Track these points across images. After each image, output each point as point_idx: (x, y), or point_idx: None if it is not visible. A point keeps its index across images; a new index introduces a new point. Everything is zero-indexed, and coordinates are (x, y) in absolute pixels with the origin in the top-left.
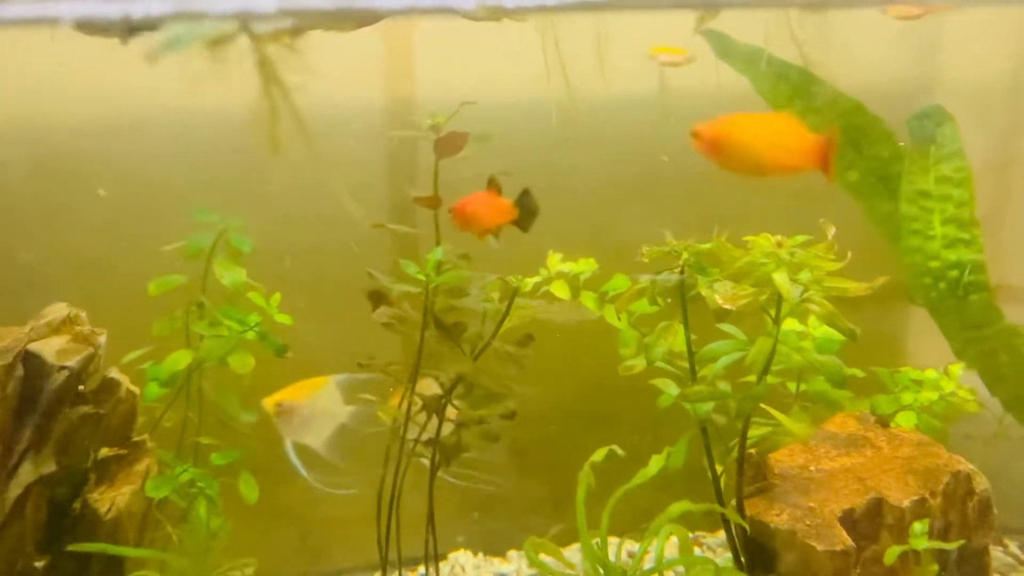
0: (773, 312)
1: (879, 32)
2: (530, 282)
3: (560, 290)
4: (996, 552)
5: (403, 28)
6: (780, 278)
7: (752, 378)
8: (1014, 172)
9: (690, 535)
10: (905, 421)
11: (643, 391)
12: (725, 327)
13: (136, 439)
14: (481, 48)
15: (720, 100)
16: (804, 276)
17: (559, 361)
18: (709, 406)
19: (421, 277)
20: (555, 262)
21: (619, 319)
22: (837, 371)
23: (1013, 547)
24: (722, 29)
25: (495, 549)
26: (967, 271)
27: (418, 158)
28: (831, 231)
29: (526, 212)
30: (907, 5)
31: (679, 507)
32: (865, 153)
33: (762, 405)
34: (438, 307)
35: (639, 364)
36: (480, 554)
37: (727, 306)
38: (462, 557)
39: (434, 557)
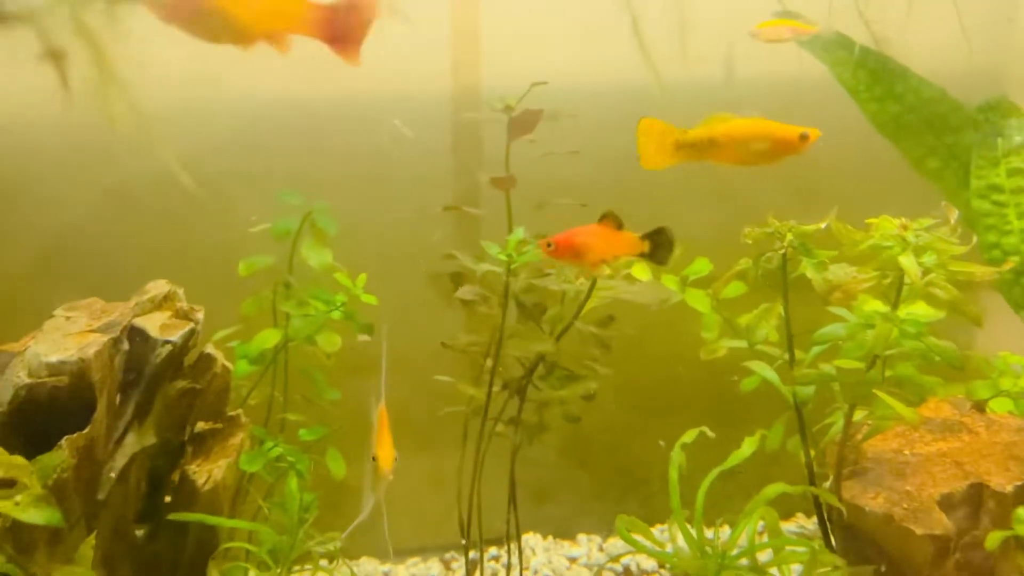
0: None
1: (952, 12)
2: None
3: (641, 272)
4: None
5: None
6: (907, 261)
7: (845, 362)
8: None
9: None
10: (999, 407)
11: (714, 377)
12: (836, 310)
13: (231, 413)
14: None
15: (798, 87)
16: (928, 259)
17: (628, 347)
18: (811, 390)
19: (503, 257)
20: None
21: (705, 302)
22: (954, 355)
23: None
24: (789, 9)
25: (565, 533)
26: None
27: (484, 146)
28: (954, 215)
29: (662, 249)
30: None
31: (774, 489)
32: (945, 140)
33: (880, 394)
34: (519, 288)
35: (721, 347)
36: (550, 537)
37: (850, 289)
38: (532, 540)
39: (516, 537)
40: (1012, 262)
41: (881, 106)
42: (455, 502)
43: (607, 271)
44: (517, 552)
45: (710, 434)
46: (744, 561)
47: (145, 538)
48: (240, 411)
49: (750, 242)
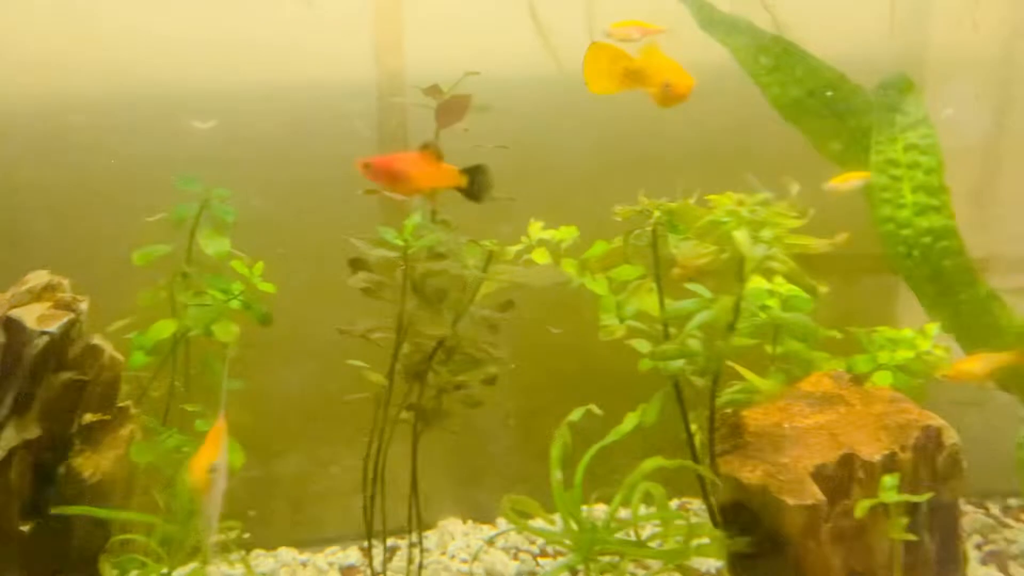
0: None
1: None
2: (512, 249)
3: (541, 257)
4: (978, 515)
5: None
6: (740, 236)
7: (740, 340)
8: (1004, 144)
9: (677, 500)
10: (882, 380)
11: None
12: (692, 286)
13: (120, 405)
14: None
15: (720, 72)
16: (766, 234)
17: (556, 335)
18: (679, 364)
19: (399, 242)
20: (536, 230)
21: (598, 283)
22: (804, 328)
23: (995, 509)
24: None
25: (486, 517)
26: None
27: (408, 135)
28: (794, 188)
29: (478, 186)
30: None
31: (651, 463)
32: (848, 124)
33: (734, 365)
34: (419, 273)
35: (619, 329)
36: (469, 521)
37: (688, 265)
38: (451, 525)
39: (418, 526)
40: (845, 235)
41: (783, 90)
42: (375, 490)
43: (505, 251)
44: (419, 539)
45: (597, 411)
46: (627, 536)
47: (30, 534)
48: (130, 403)
49: (620, 220)
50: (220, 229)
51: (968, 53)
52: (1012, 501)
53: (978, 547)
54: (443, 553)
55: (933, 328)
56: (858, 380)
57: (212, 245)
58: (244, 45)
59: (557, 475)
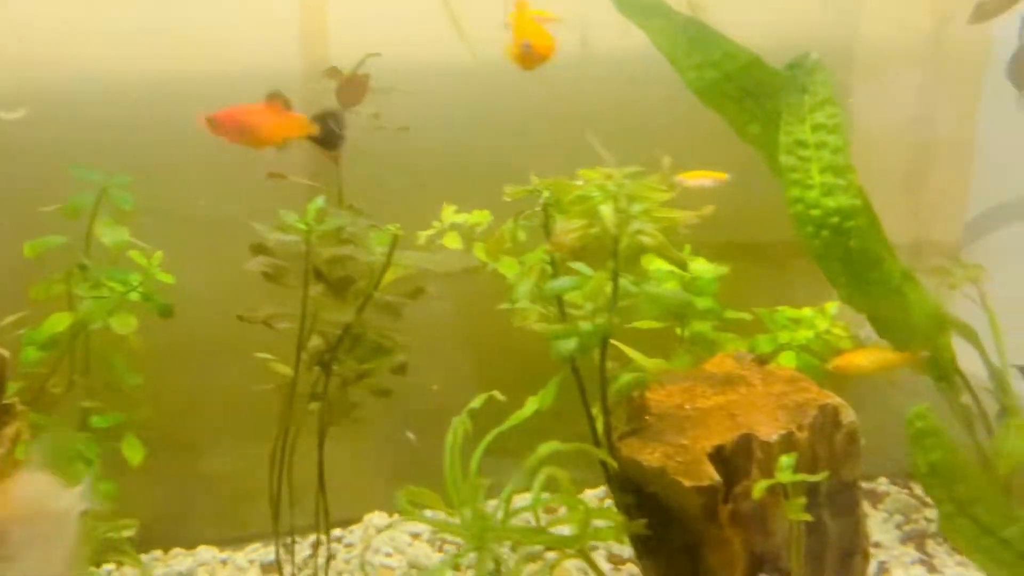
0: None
1: None
2: (423, 235)
3: (452, 242)
4: (901, 495)
5: None
6: (606, 210)
7: (645, 323)
8: (934, 130)
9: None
10: (786, 361)
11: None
12: (577, 265)
13: (6, 402)
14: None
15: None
16: (636, 208)
17: (488, 328)
18: (571, 345)
19: (301, 226)
20: (449, 214)
21: (515, 268)
22: (676, 302)
23: (918, 489)
24: None
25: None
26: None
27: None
28: (666, 162)
29: (331, 133)
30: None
31: (547, 447)
32: (766, 107)
33: (619, 344)
34: (325, 259)
35: (531, 313)
36: (396, 515)
37: (558, 242)
38: (376, 518)
39: (326, 520)
40: (712, 208)
41: (700, 73)
42: (297, 485)
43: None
44: (326, 534)
45: (500, 398)
46: (526, 522)
47: None
48: (15, 399)
49: (509, 200)
50: (119, 218)
51: (900, 38)
52: None
53: (899, 527)
54: (366, 547)
55: (833, 307)
56: (760, 360)
57: (109, 234)
58: (164, 33)
59: (450, 463)
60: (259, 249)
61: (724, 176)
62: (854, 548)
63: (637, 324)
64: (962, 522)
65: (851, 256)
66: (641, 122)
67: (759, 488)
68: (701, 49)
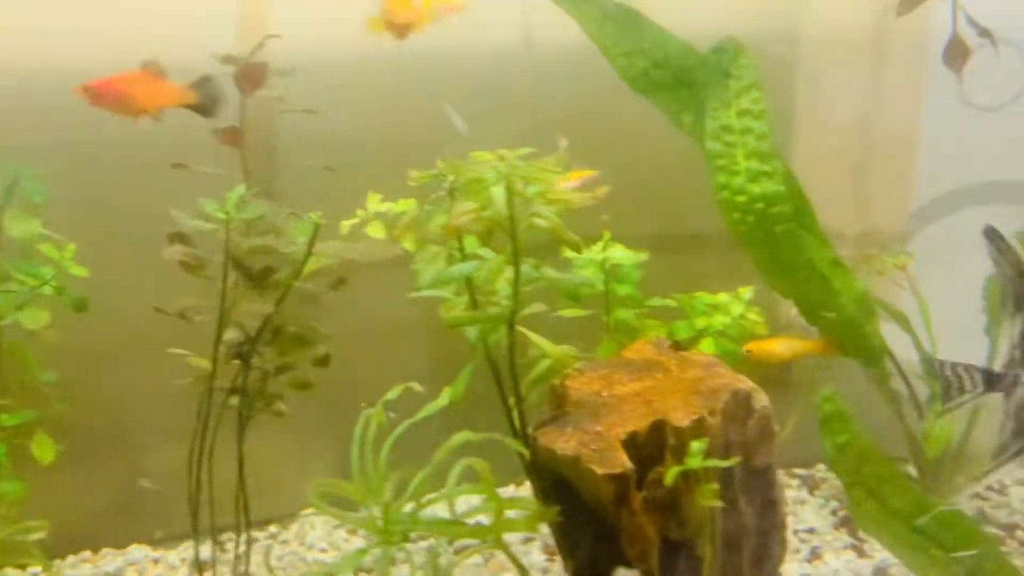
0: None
1: None
2: (347, 224)
3: (376, 231)
4: (837, 481)
5: None
6: (497, 192)
7: (571, 312)
8: (878, 120)
9: None
10: (705, 346)
11: None
12: (482, 250)
13: None
14: None
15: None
16: (532, 190)
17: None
18: (472, 333)
19: (221, 215)
20: (374, 202)
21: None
22: (573, 288)
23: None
24: None
25: (350, 506)
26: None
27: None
28: (563, 143)
29: (209, 99)
30: None
31: (459, 438)
32: (698, 95)
33: (525, 332)
34: (246, 249)
35: (460, 304)
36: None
37: (452, 225)
38: (313, 515)
39: (246, 517)
40: (606, 189)
41: (630, 61)
42: (231, 483)
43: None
44: (247, 531)
45: (418, 389)
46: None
47: None
48: None
49: (414, 184)
50: (29, 211)
51: (844, 29)
52: None
53: (834, 512)
54: (301, 544)
55: (747, 292)
56: (677, 346)
57: (20, 227)
58: (97, 20)
59: (357, 455)
60: (177, 238)
61: (593, 172)
62: (771, 533)
63: (563, 312)
64: (871, 506)
65: (776, 242)
66: (583, 112)
67: (671, 474)
68: (631, 36)
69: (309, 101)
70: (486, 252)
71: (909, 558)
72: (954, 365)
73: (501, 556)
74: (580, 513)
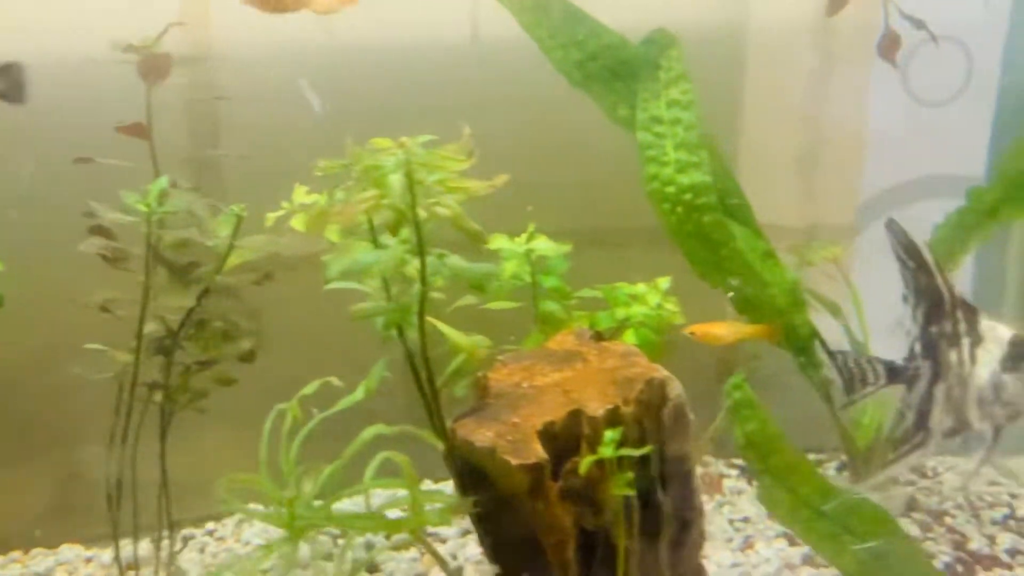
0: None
1: None
2: (272, 216)
3: (298, 223)
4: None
5: None
6: (395, 179)
7: (498, 304)
8: (826, 114)
9: None
10: (627, 337)
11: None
12: (386, 239)
13: None
14: None
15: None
16: (432, 178)
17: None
18: (384, 324)
19: (143, 208)
20: (300, 195)
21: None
22: (477, 278)
23: None
24: None
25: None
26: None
27: (218, 110)
28: (467, 130)
29: (10, 86)
30: None
31: (371, 431)
32: (633, 87)
33: (436, 323)
34: (170, 242)
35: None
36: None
37: (348, 214)
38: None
39: (168, 516)
40: (503, 178)
41: (565, 53)
42: (164, 482)
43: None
44: (169, 529)
45: (337, 383)
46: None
47: None
48: None
49: (320, 175)
50: None
51: (791, 22)
52: (811, 456)
53: None
54: (238, 540)
55: (665, 282)
56: (599, 337)
57: None
58: (38, 13)
59: (264, 452)
60: (97, 231)
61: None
62: (689, 521)
63: (491, 305)
64: (779, 493)
65: (704, 232)
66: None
67: (585, 464)
68: (566, 28)
69: (254, 93)
70: (390, 241)
71: (819, 545)
72: (856, 357)
73: (438, 550)
74: (497, 505)
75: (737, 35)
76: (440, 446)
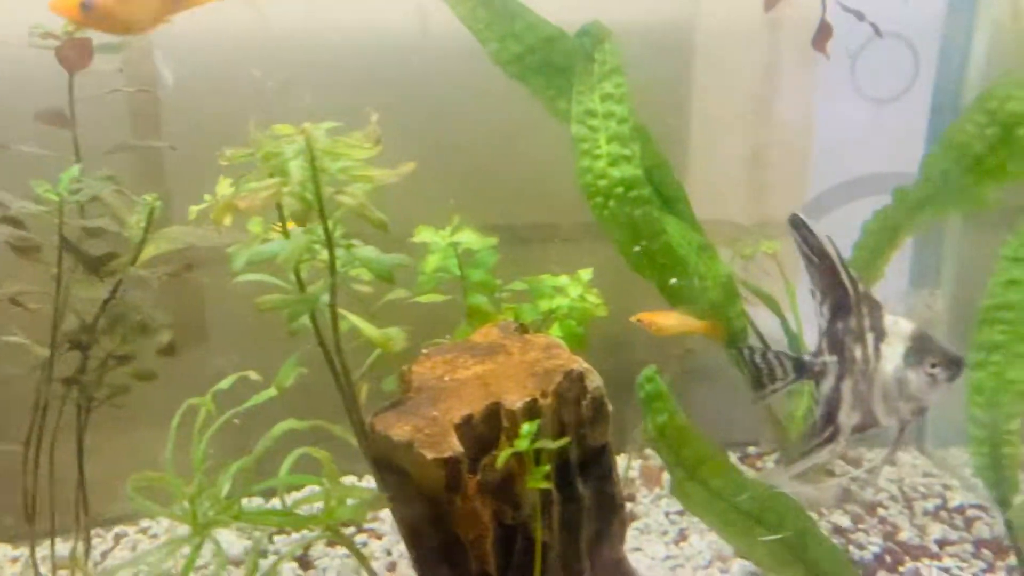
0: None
1: None
2: (195, 209)
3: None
4: None
5: None
6: (295, 166)
7: (429, 297)
8: (774, 110)
9: None
10: (552, 329)
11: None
12: (295, 228)
13: None
14: None
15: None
16: (337, 166)
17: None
18: (300, 320)
19: (53, 196)
20: (223, 187)
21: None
22: (381, 267)
23: (733, 458)
24: None
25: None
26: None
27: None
28: (374, 117)
29: None
30: None
31: (282, 426)
32: (572, 80)
33: (349, 315)
34: (82, 231)
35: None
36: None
37: (247, 202)
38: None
39: (84, 513)
40: (411, 166)
41: (502, 45)
42: (110, 479)
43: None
44: (85, 527)
45: (255, 377)
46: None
47: None
48: None
49: (225, 164)
50: None
51: (739, 18)
52: (751, 449)
53: None
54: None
55: (587, 274)
56: (523, 329)
57: None
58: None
59: (170, 449)
60: (5, 220)
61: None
62: (609, 513)
63: (420, 298)
64: (692, 486)
65: (635, 226)
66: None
67: (502, 457)
68: (503, 21)
69: (196, 83)
70: (296, 230)
71: (734, 538)
72: (764, 352)
73: (372, 545)
74: (415, 500)
75: (685, 32)
76: (353, 441)
